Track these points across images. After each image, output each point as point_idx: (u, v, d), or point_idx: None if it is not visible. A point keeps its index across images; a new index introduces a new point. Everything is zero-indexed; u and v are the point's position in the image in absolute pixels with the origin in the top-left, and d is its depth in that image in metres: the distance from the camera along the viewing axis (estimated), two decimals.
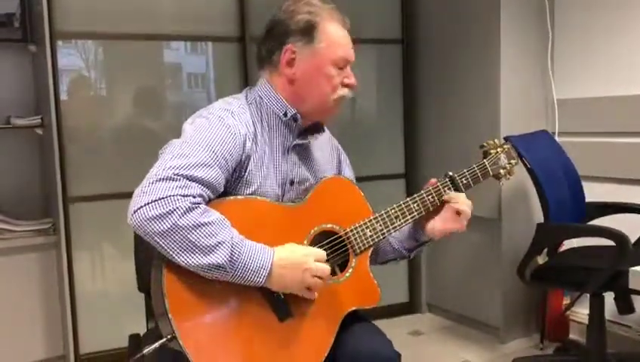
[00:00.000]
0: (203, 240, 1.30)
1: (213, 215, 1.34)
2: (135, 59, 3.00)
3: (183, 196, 1.31)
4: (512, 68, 3.09)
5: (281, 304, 1.42)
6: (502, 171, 1.75)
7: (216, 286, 1.36)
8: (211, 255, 1.31)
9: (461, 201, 1.61)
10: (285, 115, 1.54)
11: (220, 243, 1.31)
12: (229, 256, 1.32)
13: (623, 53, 2.92)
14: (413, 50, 3.61)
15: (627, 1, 2.89)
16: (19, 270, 2.87)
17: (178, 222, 1.29)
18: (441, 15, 3.42)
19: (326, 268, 1.42)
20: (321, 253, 1.44)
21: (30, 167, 3.06)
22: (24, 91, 3.02)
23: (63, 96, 2.84)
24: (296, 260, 1.39)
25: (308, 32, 1.52)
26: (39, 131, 2.90)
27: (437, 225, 1.62)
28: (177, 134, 1.49)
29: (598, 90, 3.02)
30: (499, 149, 1.75)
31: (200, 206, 1.33)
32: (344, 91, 1.57)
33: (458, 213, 1.60)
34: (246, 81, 3.15)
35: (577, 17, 3.10)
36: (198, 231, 1.30)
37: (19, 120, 2.87)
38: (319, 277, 1.41)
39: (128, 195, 1.34)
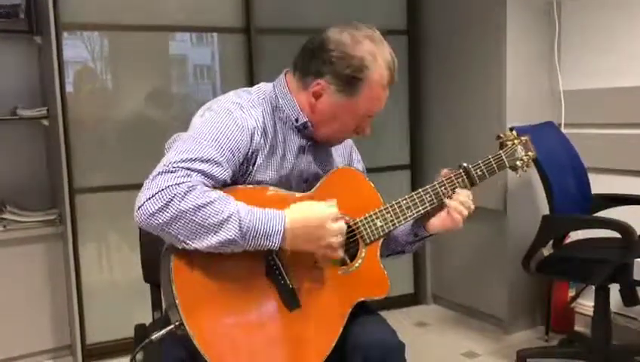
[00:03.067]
0: (209, 219, 1.30)
1: (214, 193, 1.33)
2: (141, 51, 3.00)
3: (180, 183, 1.31)
4: (518, 59, 3.07)
5: (290, 293, 1.42)
6: (518, 163, 1.73)
7: (225, 275, 1.36)
8: (220, 232, 1.31)
9: (454, 199, 1.59)
10: (297, 120, 1.53)
11: (226, 218, 1.31)
12: (239, 229, 1.31)
13: (630, 44, 2.90)
14: (419, 41, 3.59)
15: None
16: (25, 261, 2.88)
17: (180, 206, 1.29)
18: (447, 6, 3.40)
19: (342, 226, 1.42)
20: (335, 212, 1.42)
21: (36, 158, 3.07)
22: (30, 83, 3.03)
23: (69, 88, 2.85)
24: (310, 223, 1.39)
25: (349, 84, 1.46)
26: (45, 122, 2.91)
27: (435, 221, 1.61)
28: (183, 126, 1.49)
29: (604, 81, 3.00)
30: (516, 141, 1.74)
31: (197, 187, 1.32)
32: (353, 135, 1.59)
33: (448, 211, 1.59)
34: (251, 72, 3.15)
35: (584, 8, 3.08)
36: (202, 211, 1.30)
37: (25, 111, 2.88)
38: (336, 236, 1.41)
39: (134, 186, 1.34)
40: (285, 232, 1.36)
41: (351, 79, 1.46)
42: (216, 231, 1.31)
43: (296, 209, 1.40)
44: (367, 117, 1.54)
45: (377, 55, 1.47)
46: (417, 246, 1.71)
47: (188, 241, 1.31)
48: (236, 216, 1.32)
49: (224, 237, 1.31)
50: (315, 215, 1.40)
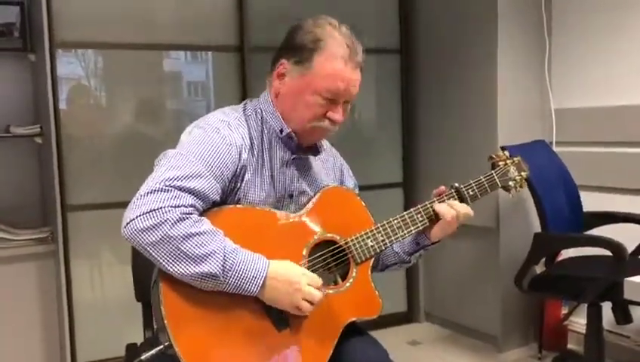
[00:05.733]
0: (195, 249, 1.30)
1: (205, 225, 1.34)
2: (135, 69, 3.01)
3: (174, 207, 1.31)
4: (509, 78, 3.10)
5: (279, 314, 1.42)
6: (511, 183, 1.74)
7: (213, 296, 1.36)
8: (203, 264, 1.30)
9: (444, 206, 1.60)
10: (281, 131, 1.54)
11: (212, 252, 1.31)
12: (222, 265, 1.31)
13: (620, 63, 2.93)
14: (412, 60, 3.62)
15: (624, 12, 2.90)
16: (17, 278, 2.86)
17: (169, 232, 1.29)
18: (440, 25, 3.44)
19: (317, 294, 1.40)
20: (317, 279, 1.42)
21: (29, 176, 3.06)
22: (24, 100, 3.03)
23: (62, 105, 2.86)
24: (290, 277, 1.38)
25: (305, 53, 1.48)
26: (38, 140, 2.91)
27: (436, 228, 1.62)
28: (177, 143, 1.49)
29: (595, 100, 3.03)
30: (508, 161, 1.75)
31: (191, 216, 1.33)
32: (323, 123, 1.51)
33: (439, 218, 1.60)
34: (244, 90, 3.16)
35: (574, 28, 3.12)
36: (189, 241, 1.30)
37: (18, 129, 2.88)
38: (310, 302, 1.40)
39: (127, 205, 1.34)
40: (266, 279, 1.36)
41: (304, 48, 1.48)
42: (198, 263, 1.30)
43: (282, 263, 1.40)
44: (332, 96, 1.48)
45: (335, 33, 1.50)
46: (418, 255, 1.70)
47: (168, 266, 1.31)
48: (222, 252, 1.32)
49: (206, 270, 1.30)
50: (297, 273, 1.40)
